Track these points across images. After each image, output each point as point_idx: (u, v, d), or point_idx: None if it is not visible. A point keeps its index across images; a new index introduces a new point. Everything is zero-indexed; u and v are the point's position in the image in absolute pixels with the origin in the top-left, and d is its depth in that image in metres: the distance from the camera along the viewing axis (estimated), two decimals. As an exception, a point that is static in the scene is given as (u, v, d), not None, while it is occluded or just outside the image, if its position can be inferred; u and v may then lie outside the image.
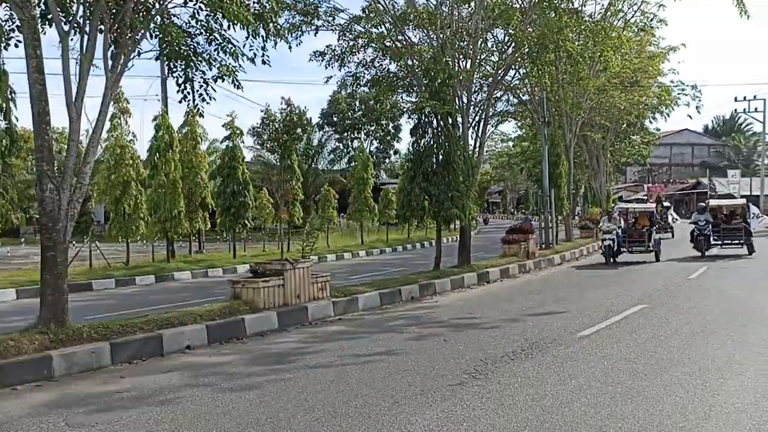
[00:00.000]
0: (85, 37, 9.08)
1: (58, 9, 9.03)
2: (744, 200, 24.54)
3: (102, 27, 9.15)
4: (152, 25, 9.28)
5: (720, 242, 22.50)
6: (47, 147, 8.82)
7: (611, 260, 21.31)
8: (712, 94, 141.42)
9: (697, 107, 34.78)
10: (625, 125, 38.85)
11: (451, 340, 9.41)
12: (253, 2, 9.95)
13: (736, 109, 60.53)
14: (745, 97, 55.08)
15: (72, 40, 9.15)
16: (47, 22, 9.19)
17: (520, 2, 20.10)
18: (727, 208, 24.18)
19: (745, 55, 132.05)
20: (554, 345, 8.81)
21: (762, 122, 57.23)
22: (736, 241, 22.35)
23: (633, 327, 10.09)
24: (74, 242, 20.15)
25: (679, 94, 34.11)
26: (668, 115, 38.19)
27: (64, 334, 8.36)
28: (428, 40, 19.88)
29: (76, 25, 9.14)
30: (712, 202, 24.58)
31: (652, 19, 27.29)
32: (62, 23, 9.08)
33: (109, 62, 9.30)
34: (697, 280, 16.32)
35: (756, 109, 55.34)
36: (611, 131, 36.81)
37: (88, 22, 9.09)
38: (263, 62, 10.22)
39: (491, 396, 6.42)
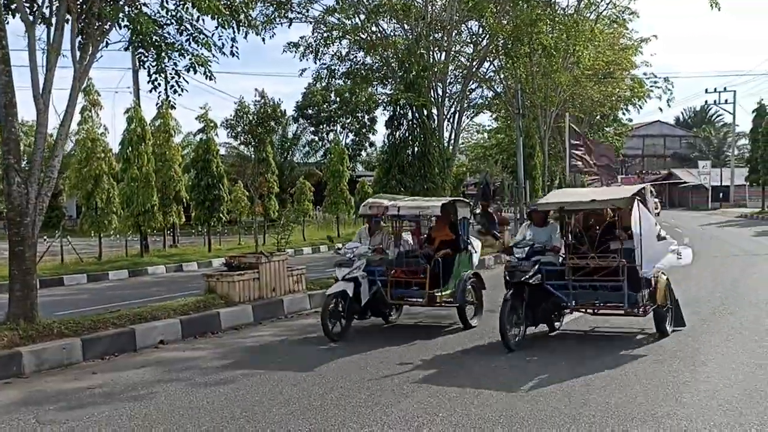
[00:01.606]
0: (52, 28, 8.89)
1: (24, -2, 8.83)
2: (631, 190, 8.94)
3: (69, 17, 8.96)
4: (121, 15, 9.10)
5: (578, 303, 8.71)
6: (14, 140, 8.64)
7: (342, 330, 9.14)
8: (683, 87, 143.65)
9: (668, 100, 35.29)
10: (598, 117, 39.26)
11: (421, 333, 9.42)
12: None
13: (706, 101, 61.38)
14: (715, 89, 56.11)
15: (38, 30, 8.96)
16: (11, 13, 8.97)
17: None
18: (598, 205, 8.77)
19: (714, 47, 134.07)
20: (530, 336, 8.85)
21: (732, 113, 58.38)
22: (616, 301, 8.43)
23: (604, 318, 10.17)
24: (45, 237, 19.80)
25: (651, 86, 34.58)
26: (641, 107, 38.78)
27: (33, 330, 8.22)
28: (403, 32, 19.85)
29: (41, 15, 8.94)
30: (552, 199, 9.59)
31: (623, 11, 27.58)
32: (27, 13, 8.87)
33: (77, 53, 9.12)
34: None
35: (726, 100, 56.46)
36: (585, 123, 37.17)
37: (54, 12, 8.90)
38: (232, 54, 10.10)
39: (465, 386, 6.44)
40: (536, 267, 8.23)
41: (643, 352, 7.78)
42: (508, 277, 8.39)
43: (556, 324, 9.07)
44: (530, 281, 8.17)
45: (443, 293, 9.47)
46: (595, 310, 8.89)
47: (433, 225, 10.84)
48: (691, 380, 6.51)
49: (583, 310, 8.93)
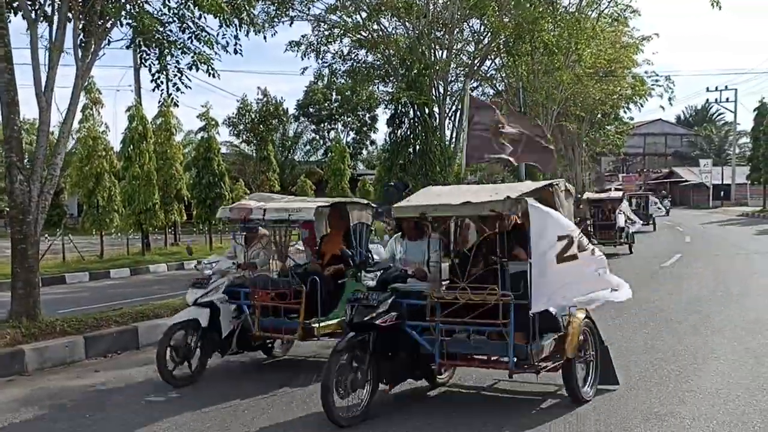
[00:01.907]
0: (54, 26, 8.89)
1: (26, -4, 8.83)
2: (527, 188, 5.84)
3: (71, 15, 8.96)
4: (123, 13, 9.10)
5: (447, 355, 5.70)
6: (16, 138, 8.65)
7: (195, 370, 7.06)
8: (685, 85, 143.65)
9: (669, 99, 35.23)
10: (600, 115, 39.22)
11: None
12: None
13: (708, 100, 61.42)
14: (716, 88, 56.04)
15: (40, 28, 8.97)
16: (13, 10, 8.97)
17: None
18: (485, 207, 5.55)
19: (716, 46, 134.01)
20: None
21: (733, 112, 58.33)
22: (496, 354, 5.71)
23: (601, 315, 10.16)
24: (47, 235, 19.81)
25: (652, 84, 34.54)
26: (642, 106, 38.75)
27: (36, 328, 8.23)
28: (404, 31, 19.86)
29: (44, 13, 8.94)
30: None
31: (625, 10, 27.53)
32: (30, 11, 8.87)
33: (79, 51, 9.12)
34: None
35: (727, 99, 56.41)
36: (586, 121, 37.15)
37: (56, 9, 8.90)
38: (235, 51, 10.10)
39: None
40: (390, 300, 5.59)
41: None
42: (348, 316, 5.73)
43: (440, 377, 6.35)
44: (378, 322, 5.50)
45: (325, 323, 6.91)
46: (477, 365, 5.90)
47: (326, 234, 8.07)
48: (694, 378, 6.50)
49: (460, 364, 5.98)
